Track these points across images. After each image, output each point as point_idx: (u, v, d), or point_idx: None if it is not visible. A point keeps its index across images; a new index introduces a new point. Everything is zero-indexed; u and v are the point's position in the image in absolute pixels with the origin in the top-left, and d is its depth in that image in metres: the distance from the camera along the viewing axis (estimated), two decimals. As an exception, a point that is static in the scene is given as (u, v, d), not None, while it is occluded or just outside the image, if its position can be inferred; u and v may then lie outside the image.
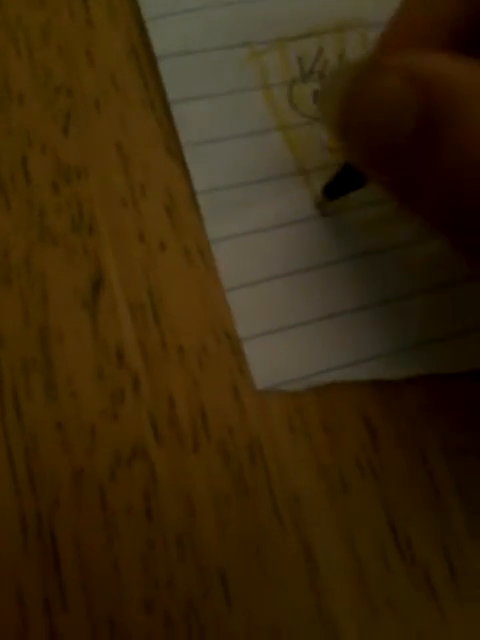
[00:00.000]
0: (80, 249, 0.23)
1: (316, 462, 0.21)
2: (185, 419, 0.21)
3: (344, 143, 0.18)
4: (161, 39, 0.25)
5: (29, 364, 0.21)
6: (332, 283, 0.23)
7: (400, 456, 0.21)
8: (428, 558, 0.20)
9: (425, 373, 0.22)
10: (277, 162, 0.24)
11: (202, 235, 0.23)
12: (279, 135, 0.25)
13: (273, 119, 0.25)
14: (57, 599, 0.19)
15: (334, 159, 0.24)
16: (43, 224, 0.23)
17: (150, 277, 0.22)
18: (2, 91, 0.25)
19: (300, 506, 0.20)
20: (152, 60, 0.25)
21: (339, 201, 0.23)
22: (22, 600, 0.19)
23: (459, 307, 0.23)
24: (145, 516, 0.20)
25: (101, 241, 0.23)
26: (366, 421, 0.21)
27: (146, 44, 0.26)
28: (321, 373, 0.22)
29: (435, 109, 0.15)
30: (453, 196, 0.16)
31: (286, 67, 0.26)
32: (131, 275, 0.22)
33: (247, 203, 0.23)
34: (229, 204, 0.23)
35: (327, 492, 0.21)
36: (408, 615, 0.20)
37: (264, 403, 0.21)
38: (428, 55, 0.17)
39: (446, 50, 0.18)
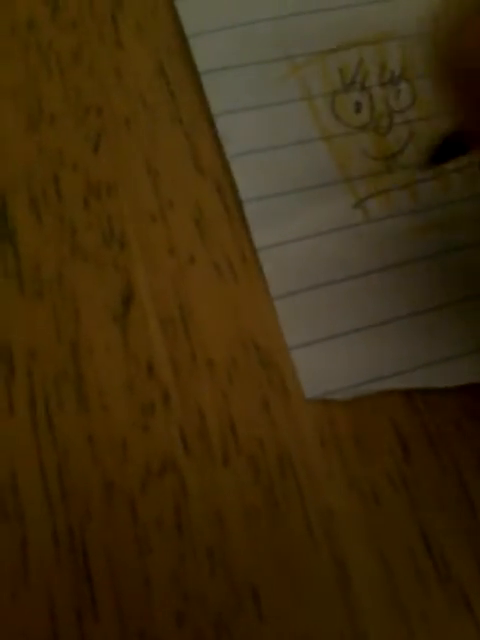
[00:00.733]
0: (111, 264, 0.22)
1: (347, 475, 0.20)
2: (215, 432, 0.20)
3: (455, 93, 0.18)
4: (203, 55, 0.25)
5: (61, 378, 0.21)
6: (378, 291, 0.22)
7: (433, 469, 0.20)
8: (464, 575, 0.19)
9: (471, 382, 0.21)
10: (321, 171, 0.24)
11: (232, 249, 0.23)
12: (323, 145, 0.24)
13: (316, 129, 0.25)
14: (89, 611, 0.19)
15: (376, 167, 0.24)
16: (74, 240, 0.23)
17: (180, 291, 0.22)
18: (35, 112, 0.25)
19: (332, 520, 0.20)
20: (180, 78, 0.25)
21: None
22: (54, 612, 0.18)
23: None
24: (176, 529, 0.19)
25: (131, 256, 0.22)
26: (398, 433, 0.21)
27: (174, 62, 0.25)
28: (369, 382, 0.21)
29: None
30: None
31: (327, 79, 0.26)
32: (161, 289, 0.22)
33: (292, 212, 0.23)
34: (275, 213, 0.23)
35: (359, 506, 0.20)
36: (443, 633, 0.19)
37: (294, 416, 0.21)
38: None
39: None
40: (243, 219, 0.23)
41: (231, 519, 0.20)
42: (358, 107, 0.25)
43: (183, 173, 0.24)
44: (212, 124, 0.25)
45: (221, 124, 0.24)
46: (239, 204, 0.23)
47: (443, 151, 0.22)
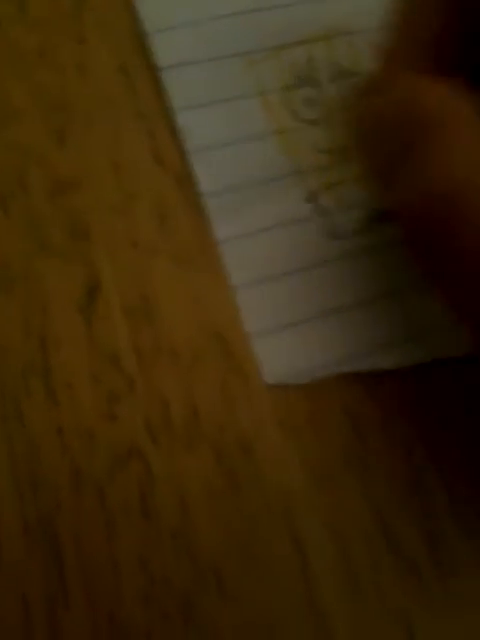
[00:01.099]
0: (76, 257, 0.23)
1: (305, 458, 0.21)
2: (179, 420, 0.21)
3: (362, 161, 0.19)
4: (162, 51, 0.25)
5: (28, 371, 0.21)
6: (331, 281, 0.23)
7: (385, 450, 0.21)
8: (415, 549, 0.20)
9: (427, 360, 0.22)
10: (274, 165, 0.24)
11: (193, 240, 0.23)
12: (276, 139, 0.25)
13: (270, 124, 0.25)
14: (60, 597, 0.19)
15: (327, 160, 0.24)
16: (41, 234, 0.23)
17: (144, 282, 0.22)
18: (1, 109, 0.25)
19: (290, 501, 0.20)
20: (142, 74, 0.25)
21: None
22: (26, 599, 0.19)
23: None
24: (141, 515, 0.20)
25: (96, 249, 0.23)
26: (352, 417, 0.21)
27: (137, 58, 0.25)
28: (324, 366, 0.22)
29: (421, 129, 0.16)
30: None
31: (280, 75, 0.26)
32: (125, 281, 0.22)
33: (250, 204, 0.24)
34: (233, 205, 0.23)
35: (316, 487, 0.20)
36: (397, 604, 0.20)
37: (254, 402, 0.21)
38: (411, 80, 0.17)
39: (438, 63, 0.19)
40: (203, 211, 0.23)
41: (195, 503, 0.20)
42: (310, 102, 0.25)
43: (145, 167, 0.24)
44: (172, 119, 0.25)
45: (181, 119, 0.24)
46: (199, 197, 0.23)
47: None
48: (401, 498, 0.20)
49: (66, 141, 0.24)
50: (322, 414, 0.21)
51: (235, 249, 0.23)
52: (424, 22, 0.19)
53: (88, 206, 0.23)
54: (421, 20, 0.19)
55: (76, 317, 0.22)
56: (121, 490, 0.20)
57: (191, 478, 0.20)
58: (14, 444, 0.20)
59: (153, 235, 0.23)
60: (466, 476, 0.21)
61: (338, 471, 0.21)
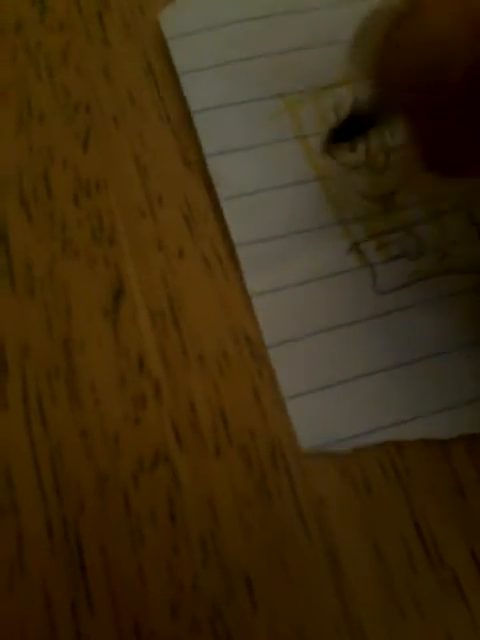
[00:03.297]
0: (101, 260, 0.23)
1: (339, 464, 0.21)
2: (206, 424, 0.21)
3: (382, 89, 0.17)
4: (195, 93, 0.25)
5: (53, 373, 0.21)
6: (376, 338, 0.22)
7: (424, 458, 0.21)
8: (456, 560, 0.20)
9: (474, 432, 0.21)
10: (316, 213, 0.24)
11: (221, 242, 0.23)
12: (316, 185, 0.24)
13: (310, 169, 0.24)
14: (83, 603, 0.19)
15: (372, 208, 0.24)
16: (65, 236, 0.23)
17: (169, 285, 0.23)
18: (24, 111, 0.25)
19: (324, 509, 0.20)
20: (167, 75, 0.26)
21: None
22: (49, 604, 0.19)
23: None
24: (169, 520, 0.20)
25: (121, 251, 0.23)
26: (388, 421, 0.21)
27: (161, 60, 0.26)
28: (368, 433, 0.21)
29: None
30: None
31: (321, 117, 0.25)
32: (151, 283, 0.23)
33: (287, 255, 0.23)
34: (268, 257, 0.23)
35: (351, 495, 0.21)
36: (437, 618, 0.20)
37: (285, 406, 0.21)
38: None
39: None
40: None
41: (223, 509, 0.20)
42: (353, 145, 0.24)
43: (171, 169, 0.24)
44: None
45: (213, 165, 0.24)
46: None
47: (347, 128, 0.22)
48: (441, 507, 0.20)
49: (90, 143, 0.25)
50: (356, 417, 0.21)
51: (268, 304, 0.22)
52: None
53: (113, 208, 0.24)
54: None
55: (101, 320, 0.22)
56: (147, 495, 0.20)
57: (220, 484, 0.21)
58: (37, 447, 0.21)
59: (179, 237, 0.23)
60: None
61: (375, 479, 0.21)
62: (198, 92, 0.25)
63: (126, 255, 0.23)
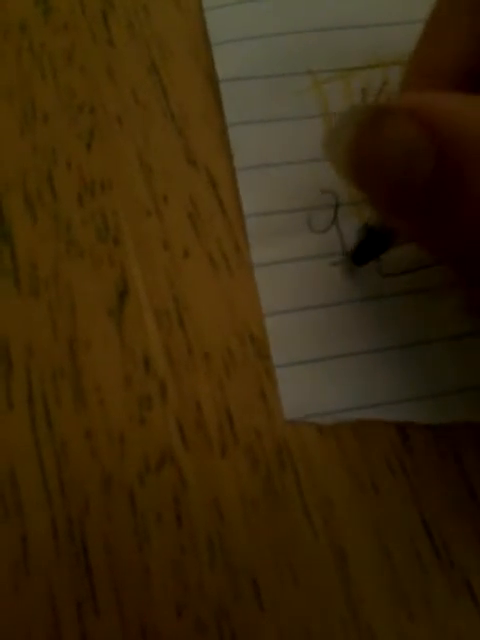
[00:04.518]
0: (106, 259, 0.23)
1: (346, 464, 0.21)
2: (212, 423, 0.21)
3: (356, 186, 0.18)
4: (225, 63, 0.26)
5: (58, 373, 0.22)
6: (371, 320, 0.23)
7: (432, 456, 0.21)
8: (465, 559, 0.20)
9: (458, 420, 0.22)
10: (330, 192, 0.24)
11: (226, 242, 0.24)
12: None
13: None
14: (89, 603, 0.20)
15: None
16: (69, 237, 0.24)
17: (175, 284, 0.23)
18: (28, 112, 0.26)
19: (331, 509, 0.21)
20: (172, 75, 0.26)
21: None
22: (55, 604, 0.19)
23: None
24: (175, 521, 0.20)
25: (126, 251, 0.23)
26: (397, 421, 0.21)
27: (165, 60, 0.26)
28: (351, 410, 0.22)
29: (453, 150, 0.15)
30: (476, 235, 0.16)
31: (349, 97, 0.26)
32: (156, 283, 0.23)
33: (294, 230, 0.24)
34: (275, 231, 0.24)
35: (358, 494, 0.21)
36: (447, 620, 0.20)
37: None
38: (438, 95, 0.17)
39: (459, 89, 0.19)
40: (237, 212, 0.24)
41: (230, 509, 0.21)
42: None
43: (176, 168, 0.25)
44: (204, 118, 0.25)
45: (233, 134, 0.25)
46: (233, 198, 0.24)
47: (367, 246, 0.23)
48: (450, 507, 0.21)
49: (94, 143, 0.25)
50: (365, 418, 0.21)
51: (270, 275, 0.23)
52: (451, 37, 0.20)
53: (118, 208, 0.24)
54: (448, 34, 0.20)
55: (106, 320, 0.23)
56: (153, 496, 0.21)
57: (226, 484, 0.21)
58: (42, 447, 0.21)
59: (185, 237, 0.24)
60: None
61: (383, 479, 0.21)
62: (228, 62, 0.26)
63: (131, 255, 0.23)
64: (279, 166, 0.24)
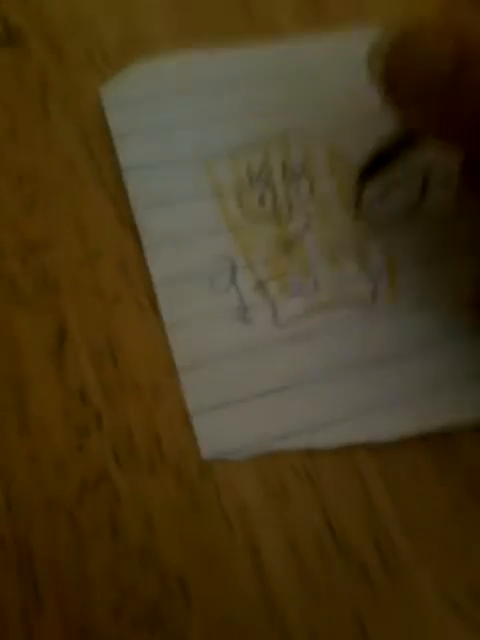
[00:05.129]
0: (46, 308, 0.27)
1: (258, 473, 0.24)
2: (142, 447, 0.25)
3: (388, 90, 0.23)
4: (126, 153, 0.30)
5: (3, 407, 0.25)
6: (272, 363, 0.26)
7: (332, 461, 0.25)
8: (363, 551, 0.23)
9: (356, 442, 0.25)
10: (227, 257, 0.28)
11: (151, 289, 0.27)
12: (230, 235, 0.29)
13: (224, 223, 0.29)
14: (34, 614, 0.22)
15: (276, 254, 0.28)
16: (13, 288, 0.27)
17: (108, 326, 0.26)
18: (-25, 183, 0.29)
19: (247, 513, 0.24)
20: (103, 146, 0.30)
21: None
22: (3, 610, 0.22)
23: (388, 381, 0.26)
24: (111, 533, 0.23)
25: (64, 299, 0.27)
26: (298, 433, 0.25)
27: (97, 133, 0.30)
28: (261, 444, 0.25)
29: (467, 54, 0.20)
30: None
31: (237, 176, 0.30)
32: (91, 326, 0.26)
33: (199, 293, 0.27)
34: (183, 294, 0.27)
35: (270, 500, 0.24)
36: (347, 603, 0.23)
37: (211, 426, 0.25)
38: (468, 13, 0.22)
39: None
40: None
41: (159, 520, 0.24)
42: (262, 200, 0.29)
43: (108, 227, 0.28)
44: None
45: (140, 217, 0.28)
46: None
47: (375, 163, 0.27)
48: (349, 505, 0.24)
49: (35, 208, 0.29)
50: (271, 431, 0.25)
51: (180, 334, 0.26)
52: None
53: (56, 263, 0.28)
54: None
55: (47, 360, 0.26)
56: (91, 512, 0.24)
57: (155, 499, 0.24)
58: (-9, 474, 0.24)
59: (116, 285, 0.27)
60: (409, 478, 0.25)
61: (291, 485, 0.24)
62: (129, 152, 0.30)
63: (68, 303, 0.27)
64: (181, 240, 0.28)
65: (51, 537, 0.23)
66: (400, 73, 0.22)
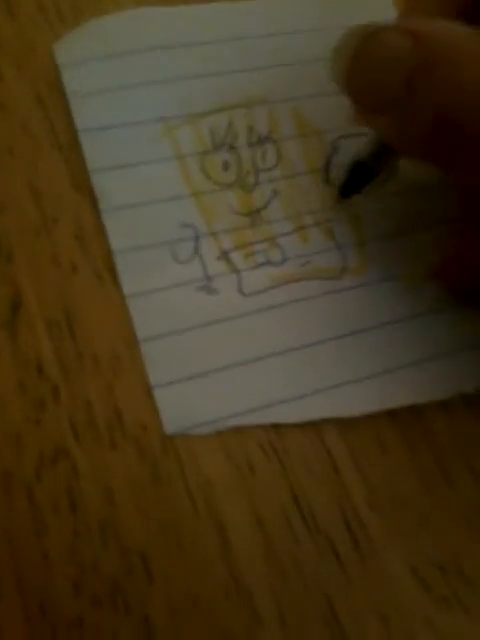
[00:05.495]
0: (-1, 277, 0.25)
1: (224, 448, 0.24)
2: (102, 420, 0.24)
3: (351, 95, 0.23)
4: (82, 115, 0.28)
5: (-45, 381, 0.24)
6: (239, 334, 0.26)
7: (299, 437, 0.24)
8: (331, 528, 0.23)
9: (318, 418, 0.25)
10: (190, 225, 0.27)
11: (110, 258, 0.26)
12: (191, 200, 0.27)
13: (186, 186, 0.28)
14: (-9, 591, 0.21)
15: (241, 222, 0.28)
16: (-36, 257, 0.26)
17: (65, 297, 0.25)
18: None
19: (211, 489, 0.23)
20: (58, 107, 0.29)
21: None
22: (-43, 591, 0.21)
23: (356, 355, 0.26)
24: (69, 509, 0.23)
25: (18, 268, 0.26)
26: (264, 406, 0.24)
27: (51, 93, 0.29)
28: (225, 418, 0.24)
29: (427, 54, 0.20)
30: (445, 123, 0.20)
31: (199, 140, 0.29)
32: (47, 296, 0.25)
33: (161, 262, 0.26)
34: (144, 263, 0.26)
35: (236, 475, 0.24)
36: (315, 579, 0.23)
37: (173, 400, 0.24)
38: (425, 19, 0.22)
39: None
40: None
41: (120, 495, 0.23)
42: (226, 166, 0.28)
43: (63, 192, 0.27)
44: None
45: (96, 180, 0.27)
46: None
47: (354, 179, 0.26)
48: (317, 482, 0.24)
49: (-14, 172, 0.28)
50: (237, 404, 0.24)
51: (141, 305, 0.26)
52: None
53: (10, 229, 0.26)
54: None
55: (0, 331, 0.25)
56: (49, 488, 0.23)
57: (116, 473, 0.23)
58: None
59: (73, 253, 0.26)
60: (378, 455, 0.24)
61: (257, 460, 0.24)
62: (85, 114, 0.28)
63: (23, 271, 0.26)
64: (141, 206, 0.27)
65: (9, 515, 0.22)
66: (361, 79, 0.22)
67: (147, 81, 0.29)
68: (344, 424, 0.25)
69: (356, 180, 0.27)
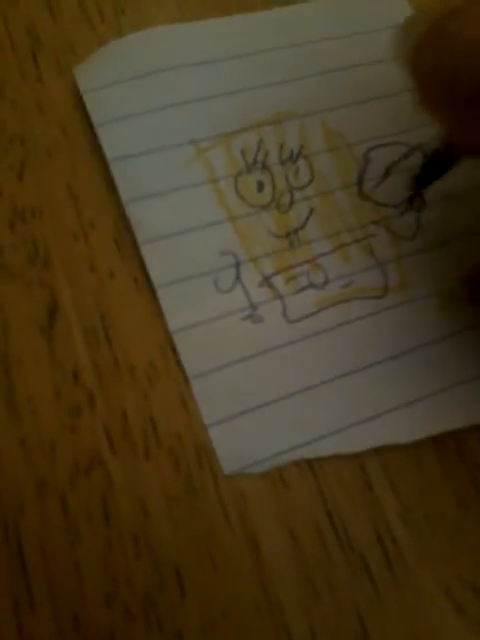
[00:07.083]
0: (36, 281, 0.25)
1: (258, 462, 0.23)
2: (137, 430, 0.24)
3: (414, 79, 0.20)
4: (111, 143, 0.27)
5: (-8, 387, 0.24)
6: (288, 363, 0.25)
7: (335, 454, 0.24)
8: (364, 545, 0.23)
9: (379, 445, 0.24)
10: (229, 252, 0.26)
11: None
12: (228, 226, 0.27)
13: (221, 211, 0.27)
14: (25, 600, 0.21)
15: (279, 244, 0.27)
16: (1, 260, 0.25)
17: (101, 303, 0.25)
18: (-40, 143, 0.28)
19: (245, 503, 0.23)
20: (97, 110, 0.28)
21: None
22: (-9, 600, 0.21)
23: (408, 376, 0.25)
24: (103, 519, 0.22)
25: (55, 273, 0.25)
26: (301, 421, 0.24)
27: (91, 96, 0.29)
28: (283, 453, 0.24)
29: None
30: None
31: (231, 161, 0.28)
32: (84, 302, 0.25)
33: (203, 294, 0.25)
34: (187, 296, 0.25)
35: (270, 490, 0.23)
36: (347, 597, 0.22)
37: (209, 411, 0.24)
38: None
39: None
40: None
41: (154, 507, 0.23)
42: (260, 187, 0.27)
43: (102, 196, 0.27)
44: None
45: (131, 211, 0.26)
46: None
47: (428, 171, 0.25)
48: (351, 499, 0.23)
49: (25, 173, 0.27)
50: (272, 419, 0.24)
51: (189, 340, 0.25)
52: None
53: (47, 233, 0.26)
54: None
55: (37, 337, 0.25)
56: (83, 497, 0.23)
57: (150, 484, 0.23)
58: (-22, 457, 0.23)
59: (110, 259, 0.26)
60: (411, 477, 0.24)
61: (290, 475, 0.23)
62: (114, 142, 0.27)
63: (60, 276, 0.25)
64: (178, 235, 0.26)
65: (42, 524, 0.22)
66: (431, 71, 0.19)
67: (173, 103, 0.28)
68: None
69: (432, 169, 0.25)
